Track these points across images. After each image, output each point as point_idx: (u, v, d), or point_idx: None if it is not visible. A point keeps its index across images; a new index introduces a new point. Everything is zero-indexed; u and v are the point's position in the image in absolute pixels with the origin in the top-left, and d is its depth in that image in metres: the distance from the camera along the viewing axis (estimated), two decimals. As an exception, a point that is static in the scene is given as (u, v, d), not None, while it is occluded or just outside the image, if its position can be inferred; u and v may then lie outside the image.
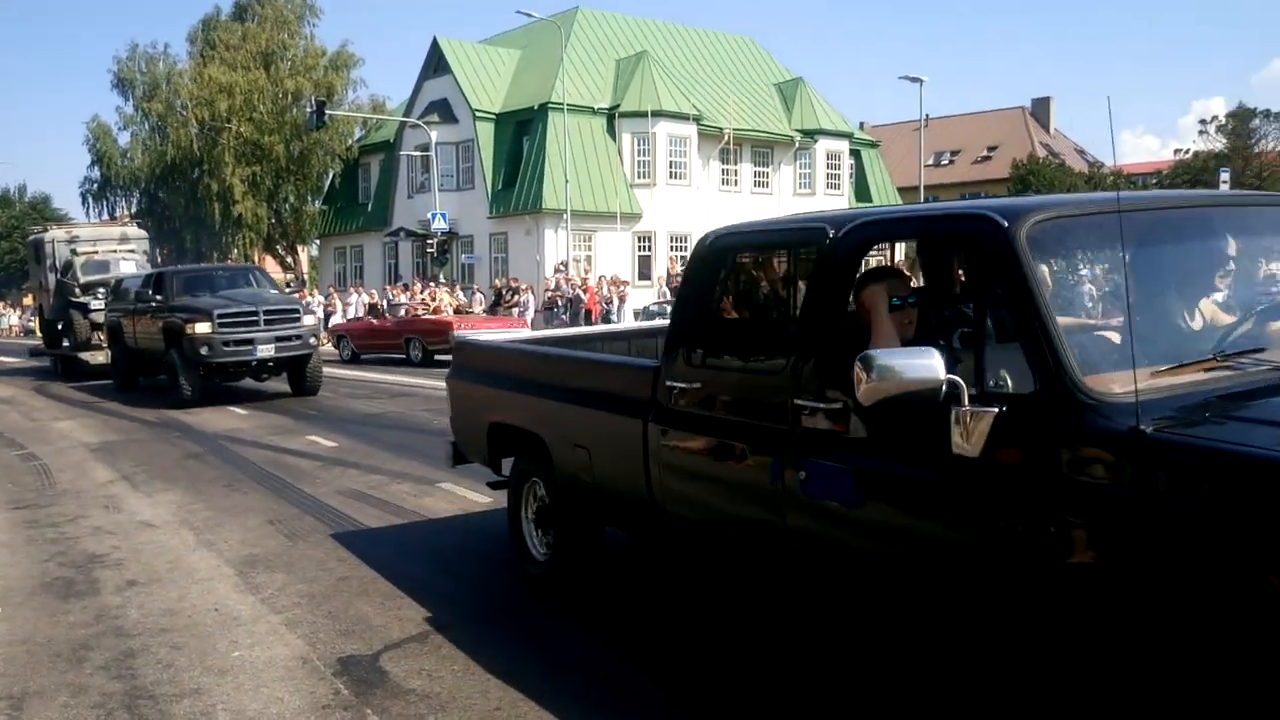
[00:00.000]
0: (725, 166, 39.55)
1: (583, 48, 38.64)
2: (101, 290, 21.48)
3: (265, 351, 15.72)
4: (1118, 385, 2.98)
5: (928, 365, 3.14)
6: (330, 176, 47.83)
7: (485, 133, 37.71)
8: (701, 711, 4.24)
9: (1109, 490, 2.86)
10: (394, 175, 41.76)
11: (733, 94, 39.97)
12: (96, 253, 23.60)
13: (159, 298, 16.78)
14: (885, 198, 45.29)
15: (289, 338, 15.93)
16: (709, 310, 4.68)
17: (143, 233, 26.47)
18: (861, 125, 50.82)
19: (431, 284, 32.93)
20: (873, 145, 46.37)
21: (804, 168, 41.44)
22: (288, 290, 21.18)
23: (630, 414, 4.83)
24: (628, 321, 21.39)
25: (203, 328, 15.34)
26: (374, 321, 26.52)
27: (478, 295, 32.16)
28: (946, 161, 58.15)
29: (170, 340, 16.01)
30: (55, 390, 20.15)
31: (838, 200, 41.89)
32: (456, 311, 26.83)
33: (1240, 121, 47.48)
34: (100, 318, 20.94)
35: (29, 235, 28.64)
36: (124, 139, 49.85)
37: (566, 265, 31.85)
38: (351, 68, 48.39)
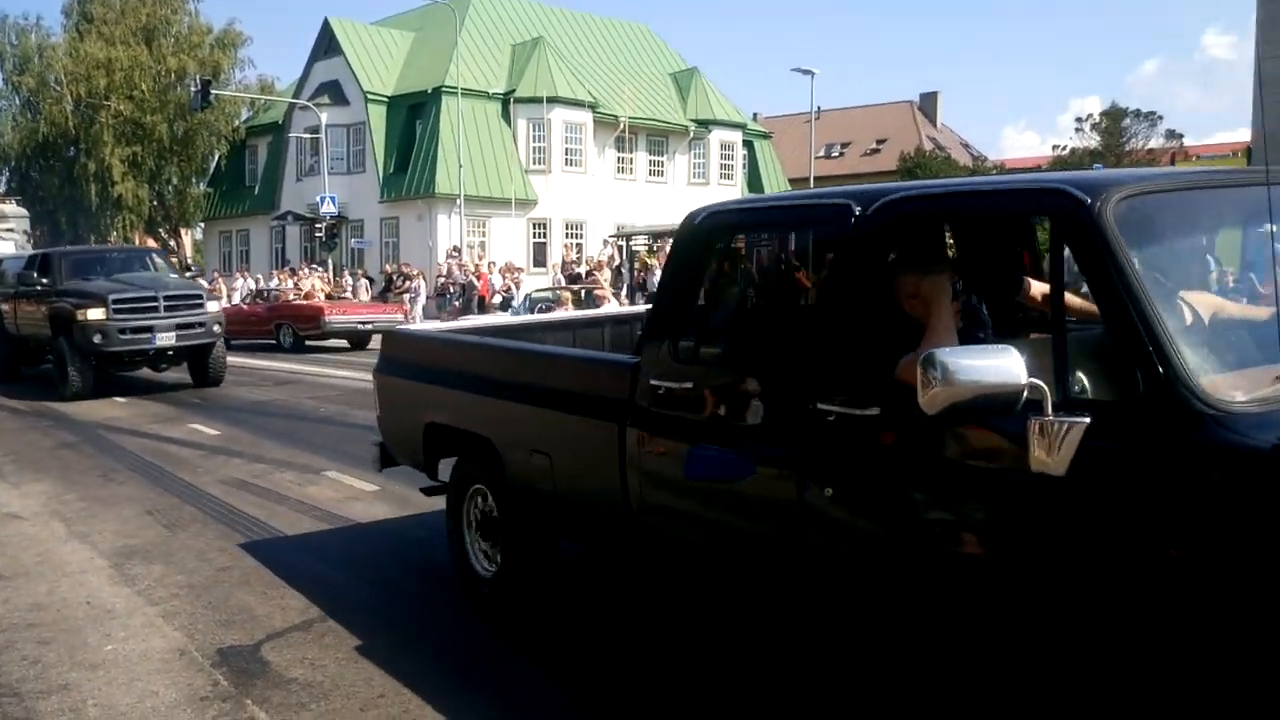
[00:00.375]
0: (621, 155, 39.55)
1: (478, 31, 38.21)
2: None
3: (165, 340, 14.60)
4: (1239, 390, 2.59)
5: (1008, 367, 2.66)
6: (216, 158, 46.34)
7: (377, 116, 37.00)
8: (584, 693, 4.29)
9: (1241, 519, 2.40)
10: (282, 158, 40.70)
11: (628, 82, 40.00)
12: None
13: (45, 281, 15.46)
14: (778, 189, 45.85)
15: (191, 325, 14.83)
16: (701, 299, 4.19)
17: (22, 210, 24.92)
18: (755, 116, 51.37)
19: (304, 269, 32.31)
20: (765, 136, 46.93)
21: (698, 157, 41.73)
22: (188, 275, 19.94)
23: (603, 416, 4.31)
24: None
25: (95, 314, 14.21)
26: (244, 307, 25.90)
27: (363, 281, 31.63)
28: (837, 154, 59.15)
29: (58, 327, 14.77)
30: None
31: (731, 191, 42.26)
32: (329, 297, 26.42)
33: (1113, 120, 49.53)
34: None
35: None
36: (-8, 115, 47.58)
37: (460, 251, 31.51)
38: (239, 47, 46.86)
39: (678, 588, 5.33)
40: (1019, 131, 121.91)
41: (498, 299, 26.77)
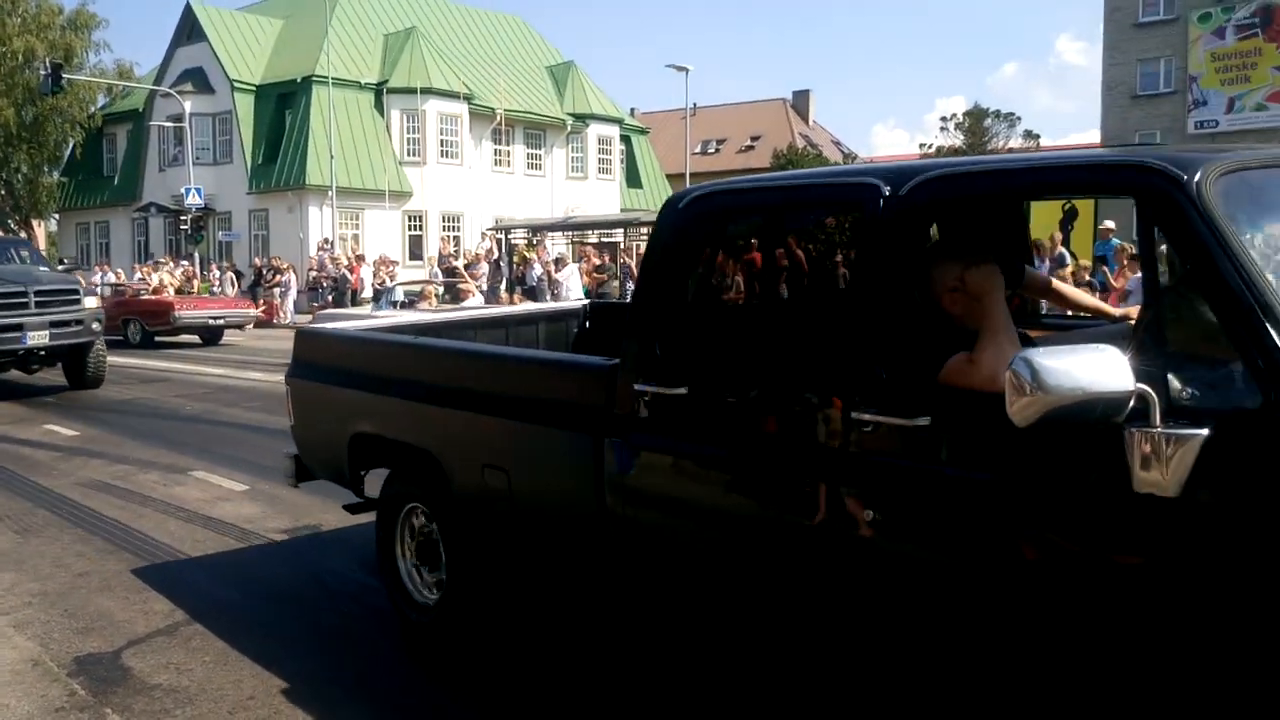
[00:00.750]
0: (498, 147, 39.27)
1: (349, 20, 37.43)
2: None
3: (37, 339, 13.21)
4: None
5: (1112, 369, 2.29)
6: (70, 146, 44.31)
7: (244, 105, 35.92)
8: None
9: None
10: (144, 147, 39.17)
11: (504, 74, 39.73)
12: None
13: None
14: (655, 184, 46.21)
15: (66, 323, 13.49)
16: (695, 292, 3.70)
17: None
18: (632, 112, 51.66)
19: (168, 262, 31.27)
20: (642, 132, 47.25)
21: (576, 151, 41.75)
22: (62, 267, 17.74)
23: (575, 427, 3.80)
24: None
25: None
26: (97, 302, 25.04)
27: (229, 275, 30.72)
28: (713, 150, 59.88)
29: None
30: None
31: (609, 186, 42.42)
32: (179, 292, 25.75)
33: (975, 120, 51.47)
34: None
35: None
36: None
37: (331, 244, 30.84)
38: (93, 29, 44.73)
39: (657, 621, 4.67)
40: (889, 129, 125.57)
41: (368, 293, 26.31)
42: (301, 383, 5.42)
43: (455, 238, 35.18)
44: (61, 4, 44.64)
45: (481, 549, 4.48)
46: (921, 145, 52.95)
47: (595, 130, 41.85)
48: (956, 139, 51.38)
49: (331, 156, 31.97)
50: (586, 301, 7.18)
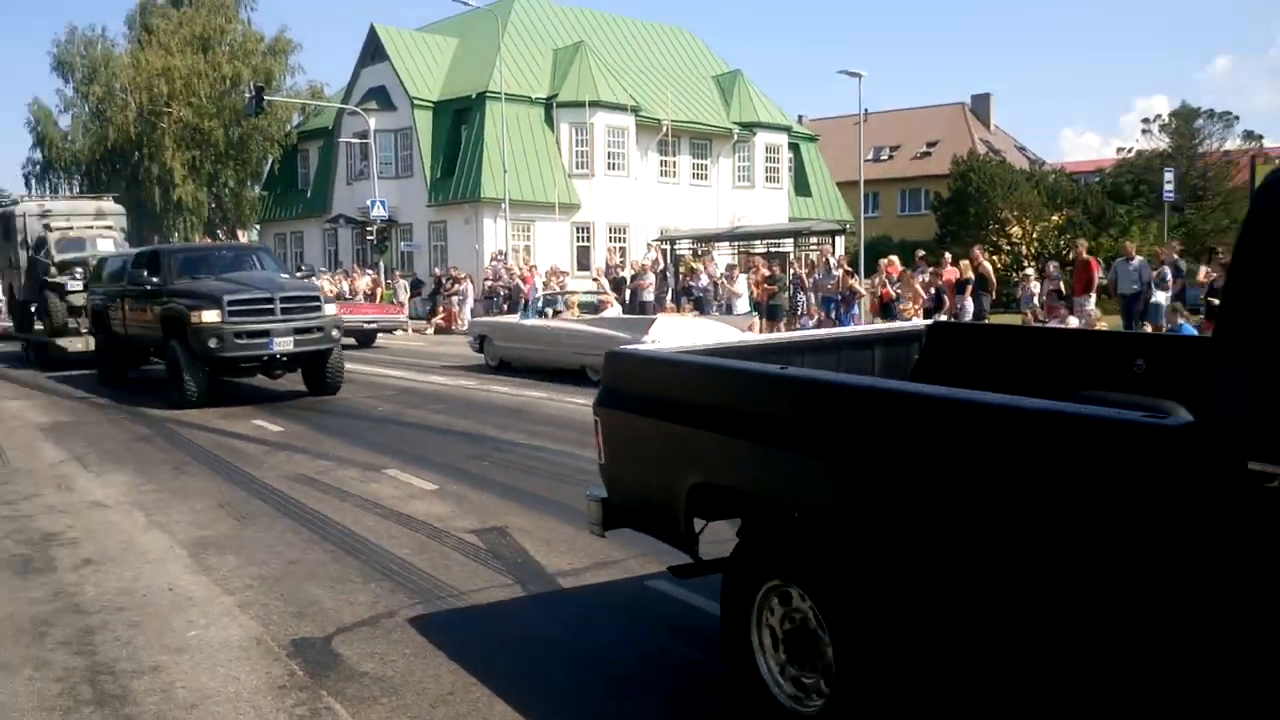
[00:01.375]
0: (663, 158, 39.72)
1: (520, 36, 38.63)
2: (79, 270, 19.33)
3: (283, 345, 13.53)
4: None
5: None
6: (269, 162, 47.38)
7: (423, 121, 37.55)
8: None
9: None
10: (333, 162, 41.43)
11: (670, 86, 40.21)
12: (71, 229, 20.77)
13: (155, 280, 14.38)
14: (825, 192, 45.71)
15: (309, 329, 13.72)
16: None
17: (119, 208, 23.30)
18: (800, 119, 51.25)
19: (355, 271, 32.92)
20: (812, 139, 46.80)
21: (742, 160, 41.77)
22: (300, 274, 18.77)
23: (1115, 516, 2.66)
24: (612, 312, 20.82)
25: (210, 316, 13.23)
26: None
27: (402, 283, 32.31)
28: (886, 156, 58.38)
29: (170, 330, 13.84)
30: (10, 373, 19.66)
31: (777, 195, 42.27)
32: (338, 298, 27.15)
33: (1184, 120, 48.01)
34: (79, 300, 19.05)
35: None
36: (65, 121, 49.03)
37: (505, 255, 31.93)
38: (289, 53, 47.98)
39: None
40: (1078, 133, 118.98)
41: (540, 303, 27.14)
42: (618, 415, 4.61)
43: (621, 248, 35.83)
44: (262, 32, 47.97)
45: (898, 655, 3.44)
46: (1120, 149, 50.09)
47: (762, 138, 41.80)
48: (1161, 141, 48.08)
49: (505, 170, 33.08)
50: (926, 323, 6.41)
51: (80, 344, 18.66)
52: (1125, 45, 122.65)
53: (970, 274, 19.60)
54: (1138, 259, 18.42)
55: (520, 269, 29.69)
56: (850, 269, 22.41)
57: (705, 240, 27.63)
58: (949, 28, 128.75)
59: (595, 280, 25.77)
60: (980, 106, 60.83)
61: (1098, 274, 18.86)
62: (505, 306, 27.54)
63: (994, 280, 21.53)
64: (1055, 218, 37.55)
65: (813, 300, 22.23)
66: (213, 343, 13.18)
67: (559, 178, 36.04)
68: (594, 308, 20.13)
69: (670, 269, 26.61)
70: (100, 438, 11.51)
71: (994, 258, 25.10)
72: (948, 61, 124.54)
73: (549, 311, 18.60)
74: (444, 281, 30.65)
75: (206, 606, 5.67)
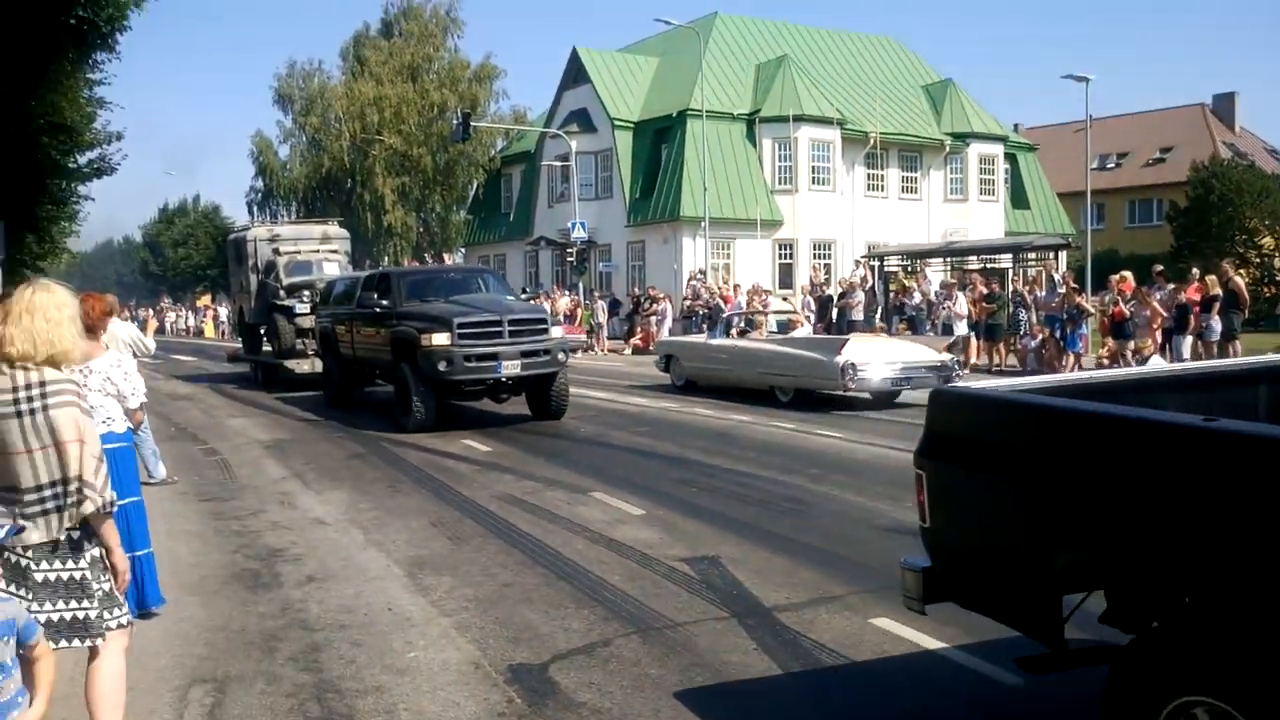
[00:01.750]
0: (871, 172, 38.79)
1: (721, 54, 38.63)
2: (306, 293, 19.73)
3: (511, 369, 13.18)
4: None
5: None
6: (474, 186, 49.09)
7: (624, 141, 38.05)
8: None
9: None
10: (535, 185, 42.54)
11: (878, 97, 39.26)
12: (299, 252, 21.31)
13: (384, 303, 14.34)
14: (1044, 204, 43.52)
15: (536, 352, 13.34)
16: None
17: (344, 232, 23.77)
18: (1016, 127, 49.00)
19: (556, 292, 33.55)
20: (1030, 149, 44.72)
21: (955, 172, 40.29)
22: (525, 296, 18.95)
23: None
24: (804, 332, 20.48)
25: (440, 339, 12.96)
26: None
27: (600, 304, 32.68)
28: (1112, 165, 54.63)
29: (399, 353, 13.75)
30: (237, 392, 20.86)
31: (992, 208, 40.55)
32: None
33: None
34: (307, 323, 19.42)
35: (229, 235, 26.30)
36: (284, 151, 52.42)
37: (704, 273, 31.86)
38: (494, 79, 49.61)
39: None
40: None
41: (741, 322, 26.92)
42: (948, 468, 3.89)
43: (826, 265, 35.17)
44: (468, 59, 49.81)
45: None
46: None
47: (976, 149, 40.20)
48: None
49: (705, 188, 33.07)
50: None
51: (307, 366, 19.04)
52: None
53: (1217, 290, 18.04)
54: None
55: (720, 288, 29.55)
56: (1076, 285, 21.03)
57: (917, 256, 26.72)
58: (1183, 24, 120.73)
59: (785, 299, 25.36)
60: (1223, 107, 55.80)
61: None
62: (704, 326, 27.46)
63: (1246, 296, 19.70)
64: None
65: (1034, 319, 20.99)
66: (442, 366, 12.89)
67: (761, 194, 35.76)
68: (784, 327, 19.79)
69: (880, 286, 25.84)
70: (318, 455, 11.98)
71: (1241, 271, 23.19)
72: (1184, 60, 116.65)
73: (734, 331, 18.40)
74: (642, 301, 30.88)
75: (425, 628, 5.67)
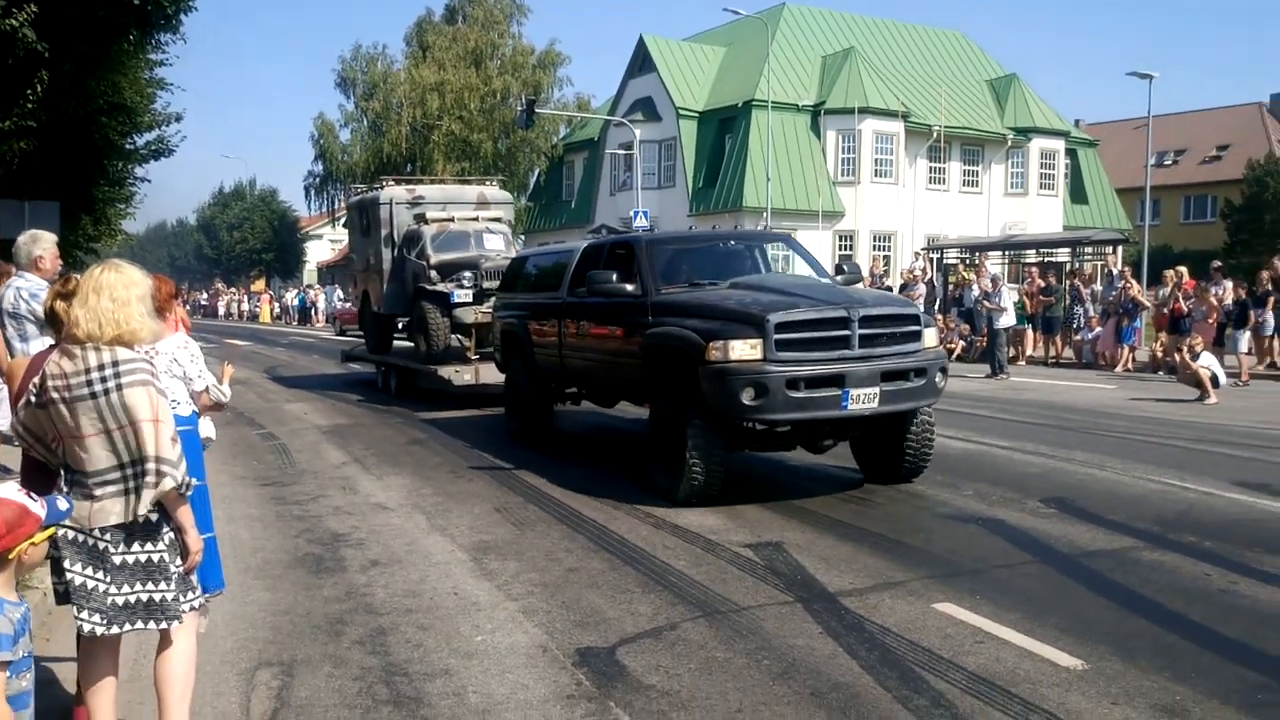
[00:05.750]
0: (933, 164, 38.43)
1: (788, 44, 38.35)
2: (468, 274, 14.72)
3: (863, 400, 7.74)
4: None
5: None
6: (536, 173, 49.11)
7: (688, 131, 37.93)
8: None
9: None
10: (597, 173, 42.55)
11: (943, 90, 38.83)
12: (451, 220, 16.10)
13: (628, 288, 9.09)
14: (1103, 199, 43.06)
15: (904, 373, 7.98)
16: None
17: (505, 195, 18.42)
18: (1077, 123, 48.42)
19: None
20: (1091, 144, 44.17)
21: (1016, 166, 39.87)
22: (841, 278, 9.83)
23: None
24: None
25: (743, 349, 7.66)
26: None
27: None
28: (1170, 161, 54.42)
29: (659, 371, 8.59)
30: (285, 374, 20.95)
31: (1051, 202, 40.11)
32: None
33: None
34: (468, 316, 14.51)
35: (352, 196, 20.28)
36: (345, 135, 52.07)
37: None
38: (558, 66, 49.37)
39: None
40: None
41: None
42: None
43: (885, 257, 34.85)
44: (533, 45, 49.73)
45: None
46: None
47: (1038, 144, 39.73)
48: None
49: (768, 179, 32.86)
50: None
51: (469, 375, 14.17)
52: None
53: (1269, 286, 18.20)
54: None
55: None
56: (1132, 280, 20.94)
57: (976, 249, 26.38)
58: (1244, 22, 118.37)
59: (905, 288, 25.08)
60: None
61: None
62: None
63: None
64: (1368, 224, 34.30)
65: (1091, 312, 21.22)
66: (748, 395, 7.56)
67: (823, 185, 35.50)
68: None
69: (939, 279, 25.54)
70: (378, 440, 11.99)
71: None
72: (1243, 59, 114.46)
73: None
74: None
75: (491, 612, 5.67)
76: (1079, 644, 4.96)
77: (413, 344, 16.20)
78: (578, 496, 8.53)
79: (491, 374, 13.40)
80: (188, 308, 15.70)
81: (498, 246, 15.66)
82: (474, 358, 14.33)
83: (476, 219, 16.33)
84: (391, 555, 6.90)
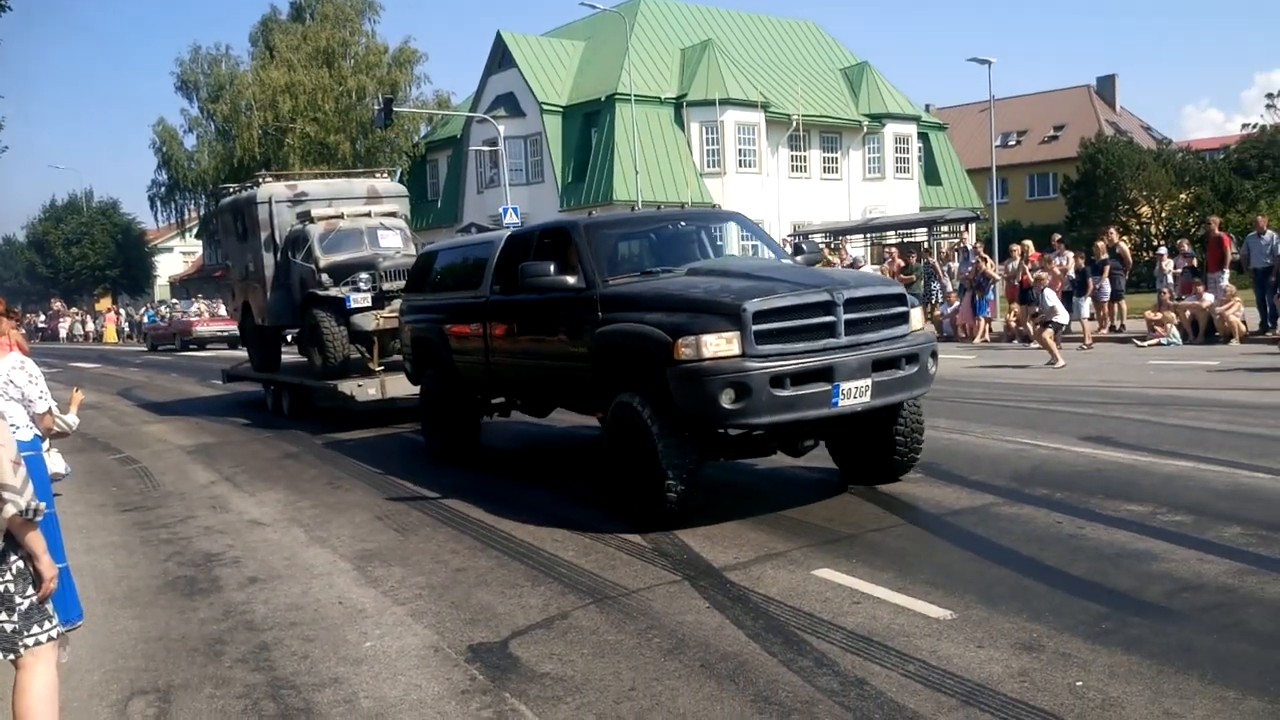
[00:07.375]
0: (794, 153, 39.34)
1: (647, 38, 38.62)
2: (364, 276, 13.27)
3: (854, 395, 6.80)
4: None
5: None
6: (398, 174, 48.19)
7: (553, 126, 37.87)
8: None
9: None
10: (462, 171, 42.11)
11: (799, 80, 39.74)
12: (340, 217, 14.45)
13: (570, 280, 7.87)
14: (955, 180, 44.73)
15: (895, 360, 7.05)
16: None
17: (399, 187, 16.80)
18: (928, 108, 50.15)
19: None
20: (940, 128, 45.84)
21: (873, 152, 41.13)
22: (797, 258, 9.29)
23: None
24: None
25: (717, 344, 6.60)
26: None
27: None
28: (1014, 142, 57.05)
29: (618, 373, 7.42)
30: (139, 395, 20.03)
31: (907, 185, 41.48)
32: None
33: (1311, 95, 45.97)
34: (370, 322, 13.07)
35: (223, 196, 17.76)
36: (190, 141, 49.94)
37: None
38: (415, 64, 48.39)
39: None
40: (1200, 110, 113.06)
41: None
42: None
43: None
44: (386, 43, 48.74)
45: None
46: (1244, 125, 48.01)
47: (892, 129, 41.05)
48: (1286, 116, 46.01)
49: (636, 172, 33.07)
50: None
51: (374, 389, 12.75)
52: (1242, 21, 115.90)
53: (1105, 255, 19.84)
54: (1269, 233, 18.19)
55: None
56: (985, 256, 22.19)
57: (839, 233, 27.12)
58: (1071, 7, 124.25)
59: None
60: (1105, 88, 59.32)
61: (1231, 250, 18.72)
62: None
63: (1130, 260, 22.17)
64: (1183, 196, 37.75)
65: (949, 288, 22.57)
66: (728, 398, 6.54)
67: (691, 177, 35.90)
68: None
69: (805, 263, 26.14)
70: (247, 457, 11.58)
71: (1124, 238, 24.72)
72: (1071, 43, 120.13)
73: None
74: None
75: (379, 618, 5.61)
76: (947, 595, 5.24)
77: (305, 358, 14.79)
78: (461, 500, 8.43)
79: (401, 386, 12.12)
80: (23, 332, 13.69)
81: (395, 244, 14.21)
82: (378, 369, 13.09)
83: (369, 214, 14.75)
84: (270, 571, 6.74)
